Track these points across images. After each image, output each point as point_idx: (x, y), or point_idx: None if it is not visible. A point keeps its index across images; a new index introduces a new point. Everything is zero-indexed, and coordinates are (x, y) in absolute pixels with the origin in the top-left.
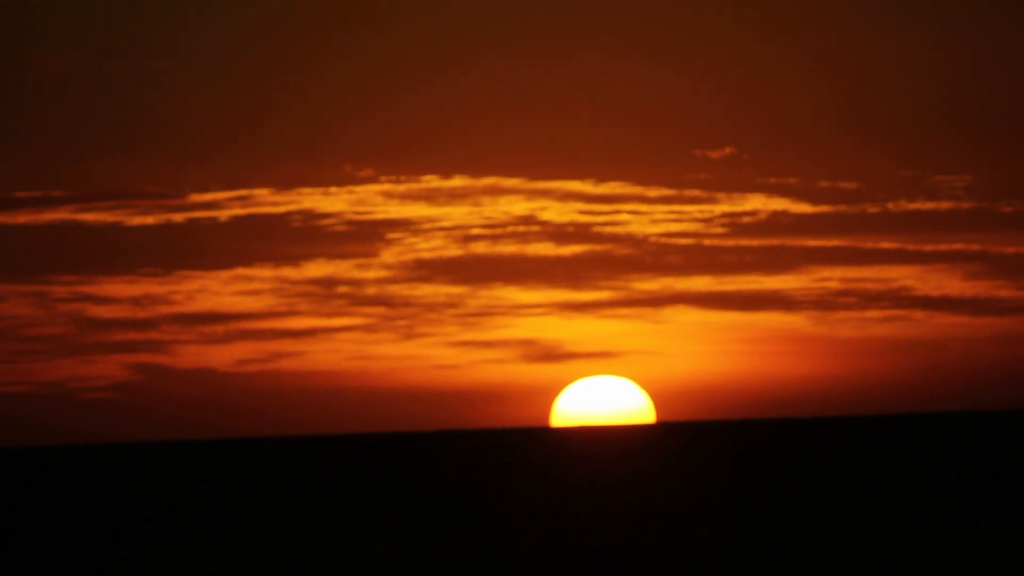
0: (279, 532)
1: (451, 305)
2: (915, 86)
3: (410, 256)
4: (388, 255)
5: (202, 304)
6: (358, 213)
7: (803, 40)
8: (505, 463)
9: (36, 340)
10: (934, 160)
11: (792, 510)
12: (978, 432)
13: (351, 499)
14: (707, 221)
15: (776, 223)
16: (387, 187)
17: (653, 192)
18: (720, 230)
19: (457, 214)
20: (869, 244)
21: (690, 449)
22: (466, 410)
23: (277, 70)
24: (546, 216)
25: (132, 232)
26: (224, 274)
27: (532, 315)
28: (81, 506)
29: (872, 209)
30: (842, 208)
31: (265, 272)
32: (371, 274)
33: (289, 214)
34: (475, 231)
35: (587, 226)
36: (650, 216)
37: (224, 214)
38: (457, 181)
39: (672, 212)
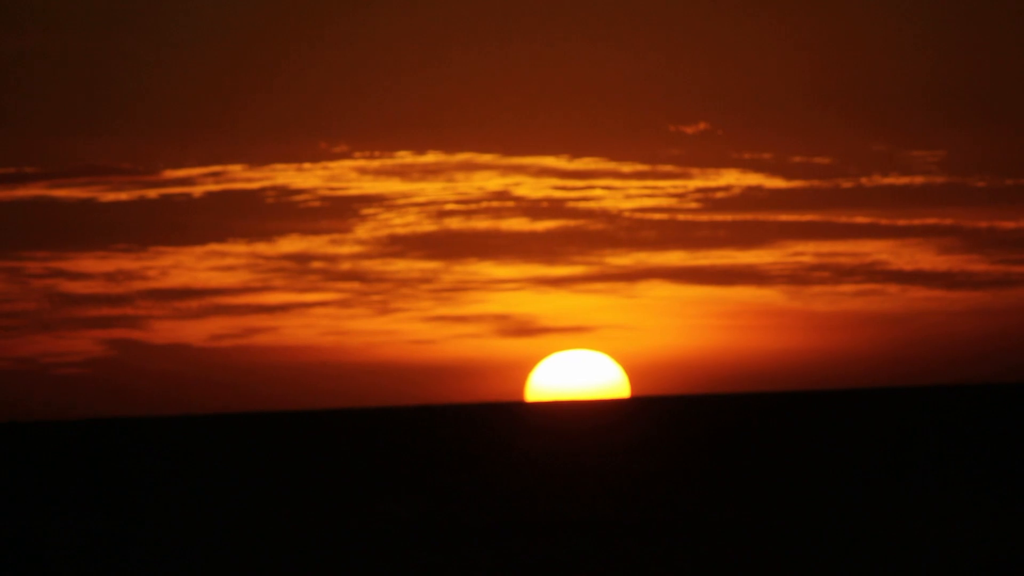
0: (254, 507)
1: (425, 280)
2: (889, 62)
3: (384, 232)
4: (362, 231)
5: (176, 280)
6: (332, 189)
7: (777, 16)
8: (480, 437)
9: (9, 316)
10: (907, 135)
11: (766, 484)
12: (952, 405)
13: (326, 474)
14: (681, 196)
15: (750, 198)
16: (361, 163)
17: (627, 168)
18: (694, 205)
19: (431, 190)
20: (843, 219)
21: (665, 423)
22: (441, 385)
23: (252, 47)
24: (520, 192)
25: (106, 208)
26: (198, 250)
27: (506, 290)
28: (54, 483)
29: (846, 184)
30: (816, 183)
31: (239, 248)
32: (345, 249)
33: (263, 190)
34: (449, 207)
35: (561, 201)
36: (624, 191)
37: (198, 190)
38: (431, 157)
39: (646, 187)
